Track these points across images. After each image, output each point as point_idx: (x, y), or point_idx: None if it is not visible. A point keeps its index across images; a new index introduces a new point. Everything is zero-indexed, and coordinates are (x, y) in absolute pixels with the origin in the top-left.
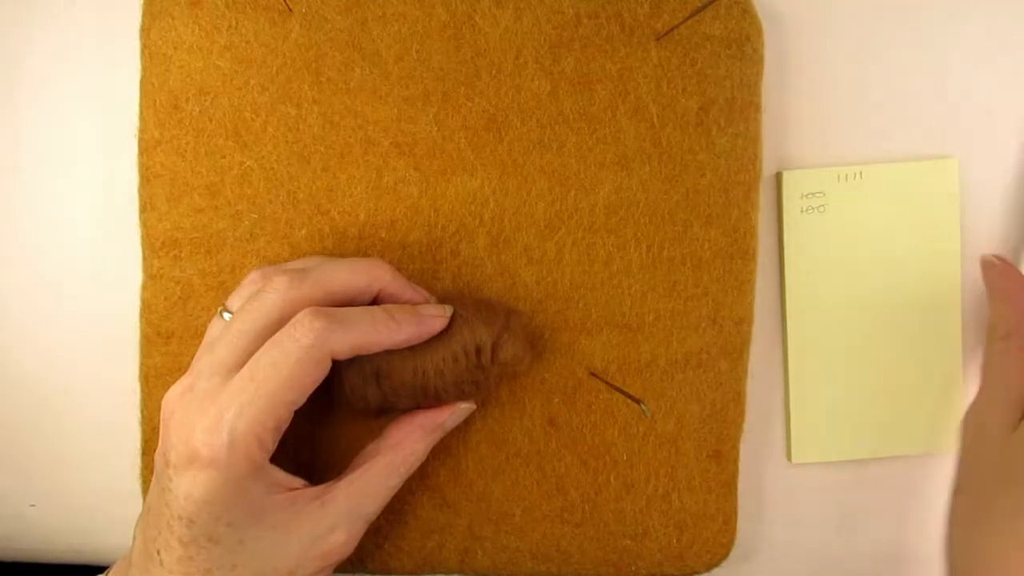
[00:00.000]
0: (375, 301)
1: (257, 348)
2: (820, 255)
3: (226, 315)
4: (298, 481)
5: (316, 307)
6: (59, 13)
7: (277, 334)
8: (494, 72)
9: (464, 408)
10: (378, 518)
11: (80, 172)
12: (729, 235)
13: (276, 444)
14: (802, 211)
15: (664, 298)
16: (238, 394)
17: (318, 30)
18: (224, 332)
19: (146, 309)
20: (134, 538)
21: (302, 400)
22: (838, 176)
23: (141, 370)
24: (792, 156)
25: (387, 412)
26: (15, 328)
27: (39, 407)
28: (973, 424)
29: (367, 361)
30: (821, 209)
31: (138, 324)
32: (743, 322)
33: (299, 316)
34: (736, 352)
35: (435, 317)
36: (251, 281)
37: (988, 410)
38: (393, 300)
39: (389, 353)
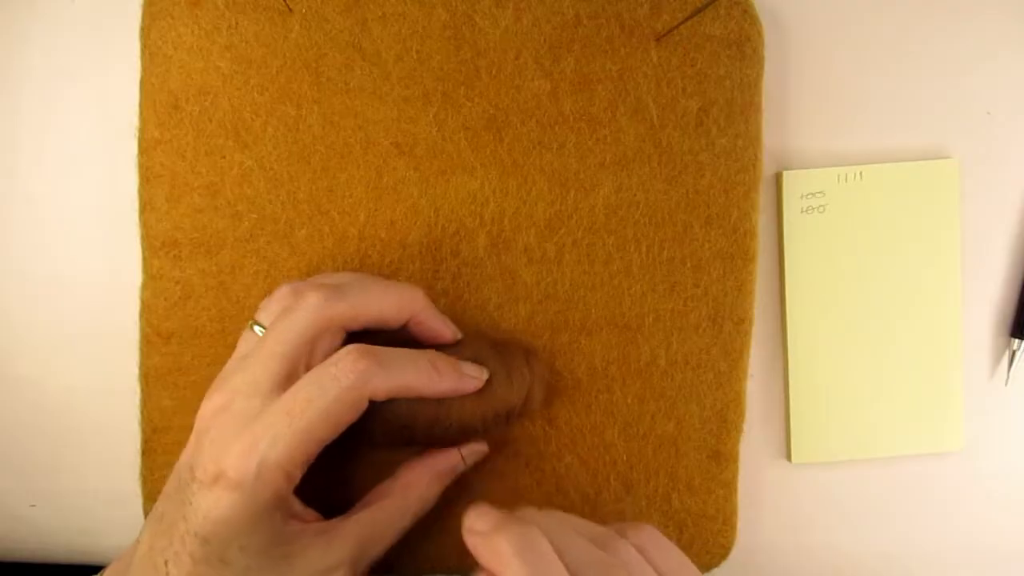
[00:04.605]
0: (404, 327)
1: (290, 368)
2: (820, 255)
3: (257, 329)
4: (312, 514)
5: (361, 345)
6: (58, 12)
7: (318, 368)
8: (494, 72)
9: (478, 451)
10: None
11: (80, 172)
12: (729, 235)
13: (301, 475)
14: (802, 211)
15: (664, 298)
16: (272, 425)
17: (318, 30)
18: (257, 350)
19: (146, 309)
20: (139, 541)
21: (333, 437)
22: (838, 176)
23: (141, 370)
24: (792, 156)
25: (400, 448)
26: (15, 328)
27: (39, 407)
28: None
29: (393, 404)
30: (821, 209)
31: (138, 324)
32: (743, 322)
33: (343, 353)
34: (736, 352)
35: (473, 378)
36: (281, 296)
37: None
38: (422, 328)
39: (418, 400)
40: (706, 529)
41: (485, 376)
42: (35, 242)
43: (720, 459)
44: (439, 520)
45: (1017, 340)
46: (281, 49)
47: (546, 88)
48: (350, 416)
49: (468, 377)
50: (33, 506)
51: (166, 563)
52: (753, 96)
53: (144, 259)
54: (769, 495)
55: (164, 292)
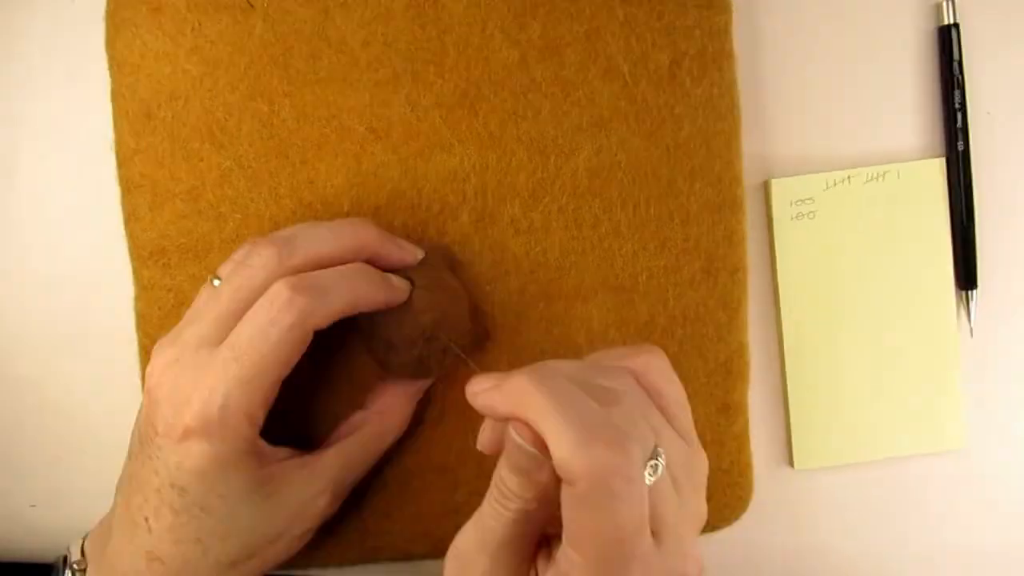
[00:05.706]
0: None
1: None
2: (812, 261)
3: (215, 282)
4: (285, 451)
5: (290, 279)
6: (58, 12)
7: (253, 308)
8: (461, 47)
9: None
10: (389, 503)
11: (80, 172)
12: (714, 186)
13: (265, 416)
14: (792, 218)
15: (655, 255)
16: (224, 372)
17: (281, 23)
18: (210, 303)
19: (141, 320)
20: (115, 505)
21: (287, 372)
22: (826, 182)
23: (142, 374)
24: (780, 164)
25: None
26: (15, 328)
27: (39, 407)
28: None
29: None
30: (811, 215)
31: (135, 336)
32: (737, 271)
33: (274, 289)
34: (734, 303)
35: (398, 289)
36: (239, 254)
37: None
38: (381, 260)
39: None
40: (721, 483)
41: (406, 288)
42: (35, 242)
43: (729, 412)
44: (451, 502)
45: (966, 292)
46: (247, 46)
47: (515, 57)
48: (298, 351)
49: (396, 289)
50: (33, 506)
51: (146, 519)
52: (724, 43)
53: (134, 270)
54: (773, 502)
55: (157, 301)
